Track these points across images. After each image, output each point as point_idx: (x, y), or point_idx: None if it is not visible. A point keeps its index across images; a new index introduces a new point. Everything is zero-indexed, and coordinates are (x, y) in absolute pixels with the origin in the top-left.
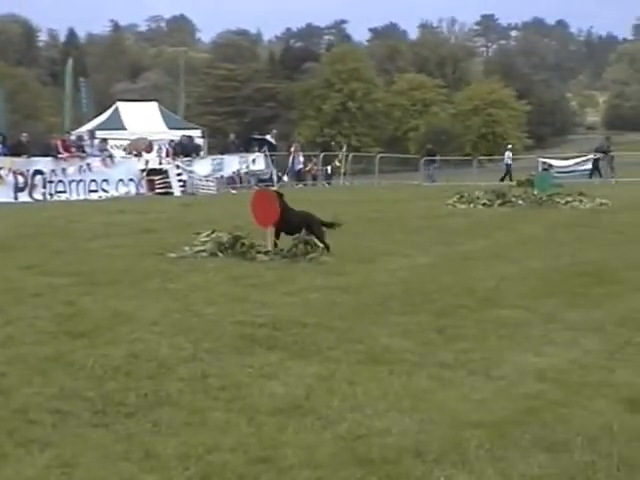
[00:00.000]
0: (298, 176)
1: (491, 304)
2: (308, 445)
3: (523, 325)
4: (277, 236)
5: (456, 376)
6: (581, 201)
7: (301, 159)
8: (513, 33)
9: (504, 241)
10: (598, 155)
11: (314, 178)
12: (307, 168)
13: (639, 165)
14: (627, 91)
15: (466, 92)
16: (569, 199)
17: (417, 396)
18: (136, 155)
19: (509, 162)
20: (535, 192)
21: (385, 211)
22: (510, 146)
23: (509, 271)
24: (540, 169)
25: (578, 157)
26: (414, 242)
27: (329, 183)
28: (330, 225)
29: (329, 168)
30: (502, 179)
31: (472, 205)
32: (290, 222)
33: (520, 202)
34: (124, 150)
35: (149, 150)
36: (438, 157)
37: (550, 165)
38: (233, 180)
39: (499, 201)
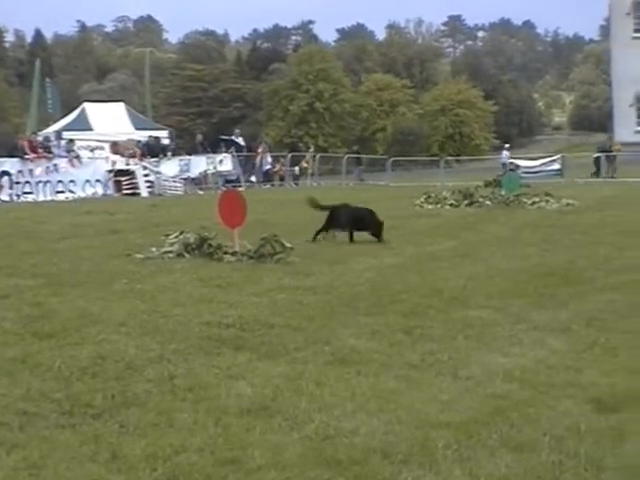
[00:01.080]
0: (266, 177)
1: (459, 304)
2: (276, 446)
3: (490, 325)
4: (325, 230)
5: (424, 377)
6: (547, 201)
7: (269, 160)
8: (480, 34)
9: (471, 241)
10: (599, 154)
11: (281, 179)
12: (275, 169)
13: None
14: (593, 92)
15: (433, 92)
16: (536, 199)
17: (384, 397)
18: (123, 156)
19: (506, 161)
20: (502, 192)
21: None
22: (507, 145)
23: (476, 271)
24: (507, 169)
25: (545, 157)
26: (381, 243)
27: (297, 184)
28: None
29: (297, 169)
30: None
31: (439, 205)
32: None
33: (487, 202)
34: (111, 151)
35: (117, 151)
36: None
37: (517, 165)
38: (200, 181)
39: (466, 201)
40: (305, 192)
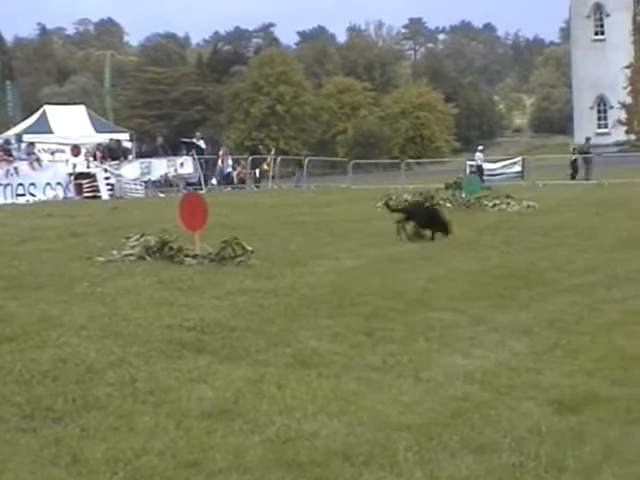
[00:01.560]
0: (227, 179)
1: (420, 306)
2: (237, 449)
3: (451, 327)
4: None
5: (385, 379)
6: (508, 204)
7: (230, 162)
8: (441, 36)
9: (432, 244)
10: (576, 156)
11: (242, 181)
12: (236, 171)
13: (566, 167)
14: (554, 94)
15: (394, 95)
16: (497, 202)
17: (346, 399)
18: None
19: (480, 163)
20: (463, 195)
21: (313, 214)
22: (481, 147)
23: (437, 273)
24: (468, 172)
25: (506, 160)
26: (342, 245)
27: (258, 186)
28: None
29: (257, 171)
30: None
31: None
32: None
33: (448, 205)
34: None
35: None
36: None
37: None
38: (161, 183)
39: (427, 204)
40: (266, 195)
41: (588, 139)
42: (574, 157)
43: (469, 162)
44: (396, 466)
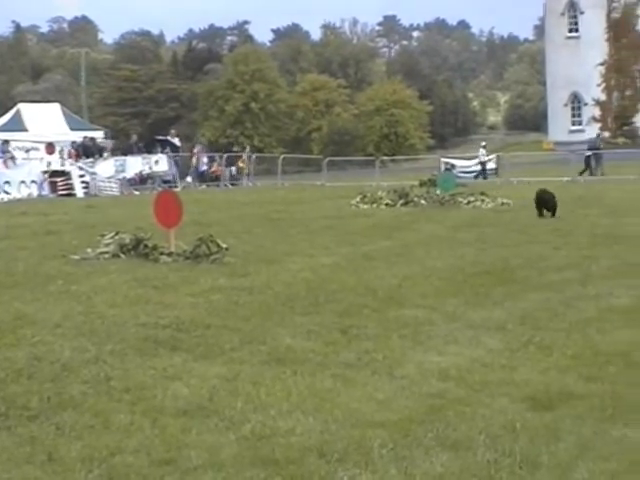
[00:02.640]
0: (201, 177)
1: (394, 304)
2: (212, 446)
3: (426, 324)
4: (541, 213)
5: (359, 376)
6: (483, 201)
7: (205, 160)
8: (415, 34)
9: (407, 241)
10: (589, 152)
11: (217, 179)
12: (213, 169)
13: (540, 164)
14: (528, 91)
15: (368, 93)
16: (471, 199)
17: (321, 396)
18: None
19: (483, 159)
20: (438, 192)
21: (288, 212)
22: (484, 143)
23: (412, 271)
24: (442, 169)
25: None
26: (317, 242)
27: (233, 184)
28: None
29: (233, 169)
30: (477, 177)
31: (375, 205)
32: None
33: (422, 202)
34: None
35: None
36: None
37: (452, 165)
38: (136, 181)
39: (402, 201)
40: (241, 192)
41: (599, 135)
42: (589, 153)
43: (443, 159)
44: (371, 463)
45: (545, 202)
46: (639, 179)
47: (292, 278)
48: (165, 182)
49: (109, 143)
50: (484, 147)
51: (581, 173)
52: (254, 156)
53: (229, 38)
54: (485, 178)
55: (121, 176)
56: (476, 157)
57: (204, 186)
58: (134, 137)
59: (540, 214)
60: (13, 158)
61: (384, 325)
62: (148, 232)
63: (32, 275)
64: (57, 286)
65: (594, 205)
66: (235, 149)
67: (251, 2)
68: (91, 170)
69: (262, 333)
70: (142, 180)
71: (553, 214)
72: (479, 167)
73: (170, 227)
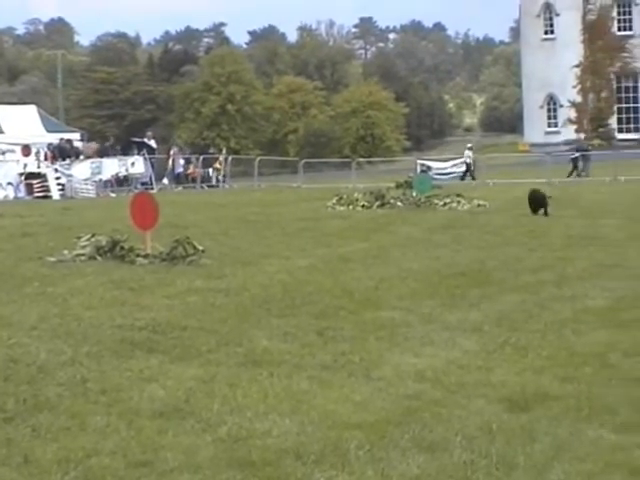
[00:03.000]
0: (178, 179)
1: (370, 306)
2: (188, 448)
3: (402, 326)
4: (535, 212)
5: (336, 378)
6: (459, 203)
7: (181, 162)
8: (391, 36)
9: (383, 243)
10: (577, 154)
11: (193, 181)
12: (190, 171)
13: (516, 166)
14: (504, 93)
15: (345, 94)
16: (447, 201)
17: (297, 398)
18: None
19: (469, 161)
20: (414, 194)
21: (264, 214)
22: (470, 145)
23: (388, 272)
24: (418, 171)
25: (456, 159)
26: (293, 244)
27: (209, 186)
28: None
29: (210, 171)
30: (462, 178)
31: (351, 207)
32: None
33: (399, 204)
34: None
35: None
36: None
37: (428, 167)
38: (112, 183)
39: (378, 203)
40: (217, 194)
41: (586, 137)
42: (576, 154)
43: (419, 161)
44: (347, 465)
45: (538, 201)
46: (614, 181)
47: (268, 280)
48: (142, 184)
49: (93, 146)
50: (470, 148)
51: (569, 174)
52: (230, 158)
53: (205, 40)
54: (473, 179)
55: (97, 178)
56: (453, 159)
57: (180, 188)
58: (111, 139)
59: (534, 212)
60: None
61: (360, 327)
62: (124, 234)
63: (8, 277)
64: (33, 288)
65: (569, 207)
66: (211, 151)
67: (227, 4)
68: (67, 172)
69: (238, 335)
70: (119, 182)
71: (545, 213)
72: (464, 168)
73: (146, 229)
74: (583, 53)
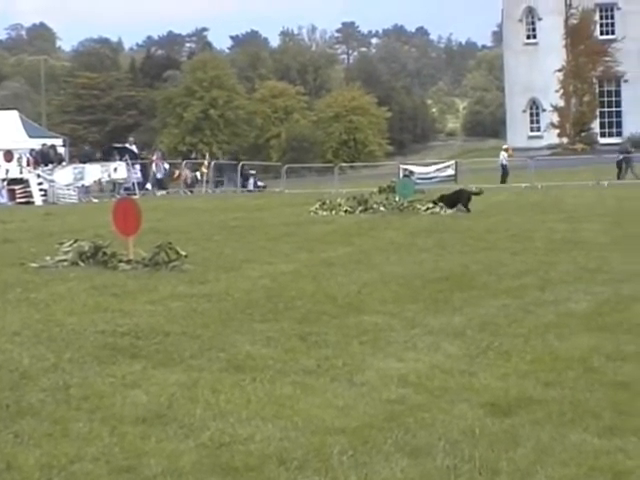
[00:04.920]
0: (160, 184)
1: (353, 310)
2: (171, 454)
3: (385, 330)
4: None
5: (319, 382)
6: (442, 207)
7: (166, 166)
8: (374, 40)
9: (366, 247)
10: (621, 156)
11: (186, 185)
12: (175, 176)
13: (499, 171)
14: (486, 97)
15: (327, 99)
16: (430, 205)
17: (280, 403)
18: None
19: (505, 163)
20: (397, 198)
21: (247, 219)
22: (505, 146)
23: (371, 277)
24: (401, 175)
25: (439, 163)
26: (276, 249)
27: (192, 191)
28: (476, 194)
29: (195, 175)
30: (502, 181)
31: (334, 212)
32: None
33: (382, 208)
34: None
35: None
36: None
37: (411, 172)
38: (94, 189)
39: (361, 208)
40: (200, 199)
41: (629, 139)
42: (621, 157)
43: (402, 166)
44: (331, 470)
45: (456, 198)
46: (597, 185)
47: (251, 285)
48: (124, 189)
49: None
50: (506, 150)
51: (618, 177)
52: (213, 163)
53: (188, 45)
54: (504, 181)
55: (80, 184)
56: (435, 163)
57: (164, 193)
58: (86, 147)
59: (451, 207)
60: None
61: (343, 332)
62: (107, 239)
63: None
64: (15, 294)
65: (552, 211)
66: (193, 156)
67: (210, 9)
68: (49, 178)
69: (221, 340)
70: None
71: (467, 208)
72: (448, 172)
73: (129, 234)
74: (565, 57)
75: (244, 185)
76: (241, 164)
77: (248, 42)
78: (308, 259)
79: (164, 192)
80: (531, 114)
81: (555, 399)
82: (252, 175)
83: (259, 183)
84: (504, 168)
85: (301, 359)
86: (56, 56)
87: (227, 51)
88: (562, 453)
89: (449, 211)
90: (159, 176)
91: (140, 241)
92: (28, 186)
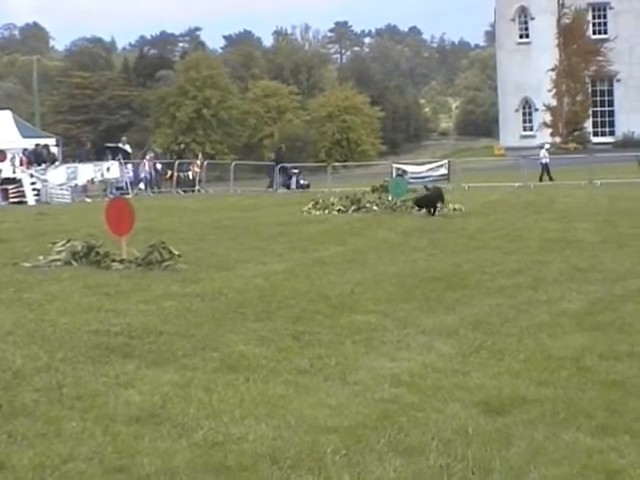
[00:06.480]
0: (153, 184)
1: (346, 310)
2: (164, 453)
3: (378, 330)
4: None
5: (312, 382)
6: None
7: (159, 166)
8: (367, 40)
9: (359, 247)
10: None
11: (178, 184)
12: (168, 176)
13: (491, 170)
14: (479, 97)
15: (320, 99)
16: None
17: (273, 402)
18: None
19: (546, 161)
20: (390, 198)
21: (240, 218)
22: (547, 146)
23: (364, 277)
24: (394, 175)
25: (432, 163)
26: (269, 249)
27: (184, 191)
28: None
29: (188, 174)
30: (540, 178)
31: (327, 211)
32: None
33: (374, 208)
34: None
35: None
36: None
37: (404, 171)
38: (87, 188)
39: (354, 207)
40: (193, 199)
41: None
42: None
43: (395, 165)
44: (324, 469)
45: (432, 199)
46: (589, 184)
47: (244, 285)
48: (117, 189)
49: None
50: (547, 149)
51: None
52: (206, 162)
53: (181, 44)
54: (551, 179)
55: (73, 183)
56: (428, 163)
57: (157, 192)
58: (88, 145)
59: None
60: None
61: (337, 331)
62: (100, 239)
63: None
64: (8, 294)
65: (545, 210)
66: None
67: (203, 9)
68: (43, 177)
69: (214, 340)
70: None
71: (434, 210)
72: (441, 171)
73: (122, 234)
74: (558, 57)
75: (286, 184)
76: (279, 165)
77: (241, 42)
78: (301, 258)
79: (157, 191)
80: (524, 113)
81: (548, 398)
82: (295, 174)
83: (301, 182)
84: (545, 166)
85: (294, 358)
86: (49, 56)
87: (220, 51)
88: (555, 452)
89: (442, 210)
90: (152, 176)
91: (133, 241)
92: (21, 186)
